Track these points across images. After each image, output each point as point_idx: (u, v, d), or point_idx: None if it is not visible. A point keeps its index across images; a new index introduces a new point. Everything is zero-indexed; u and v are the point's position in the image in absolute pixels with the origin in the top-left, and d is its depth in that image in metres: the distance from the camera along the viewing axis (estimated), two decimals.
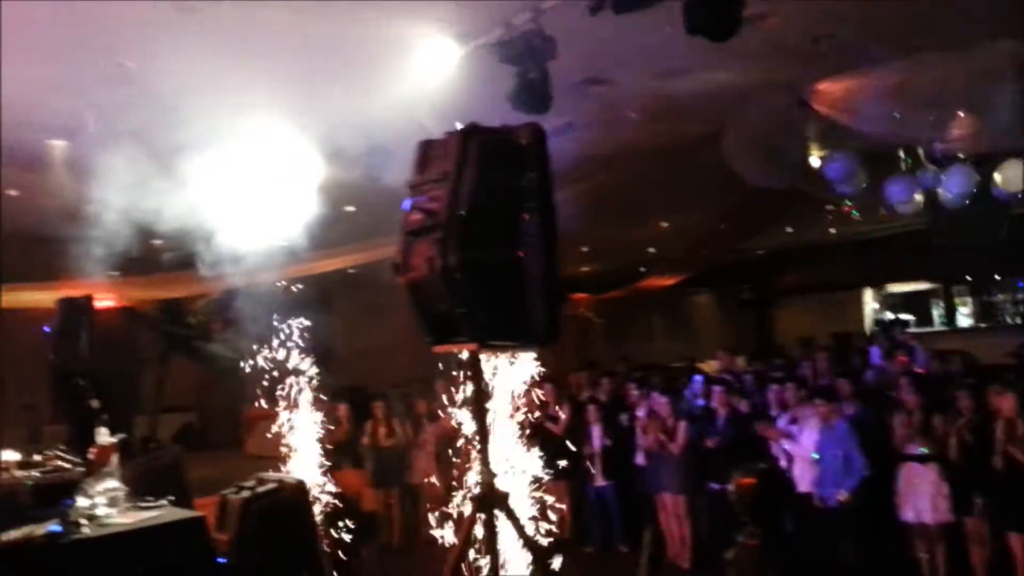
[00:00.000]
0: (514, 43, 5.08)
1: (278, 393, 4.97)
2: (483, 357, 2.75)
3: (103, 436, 2.94)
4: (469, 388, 2.75)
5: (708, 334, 22.95)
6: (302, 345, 5.09)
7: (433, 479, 9.84)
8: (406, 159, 7.66)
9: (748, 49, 5.88)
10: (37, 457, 3.15)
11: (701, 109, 7.60)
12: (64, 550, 2.40)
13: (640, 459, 8.44)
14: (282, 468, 4.97)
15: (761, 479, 1.79)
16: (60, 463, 3.02)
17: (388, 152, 7.33)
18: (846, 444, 6.51)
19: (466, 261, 2.43)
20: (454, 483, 8.96)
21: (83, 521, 2.58)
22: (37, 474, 2.82)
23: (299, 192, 6.07)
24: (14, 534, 2.44)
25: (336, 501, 5.45)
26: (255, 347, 5.50)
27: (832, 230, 15.98)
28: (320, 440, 5.03)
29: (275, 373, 5.01)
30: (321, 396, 4.99)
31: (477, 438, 2.70)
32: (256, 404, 5.27)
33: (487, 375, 2.82)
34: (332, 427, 4.88)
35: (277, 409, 4.97)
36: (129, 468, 3.05)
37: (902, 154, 8.71)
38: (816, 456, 6.55)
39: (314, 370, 5.11)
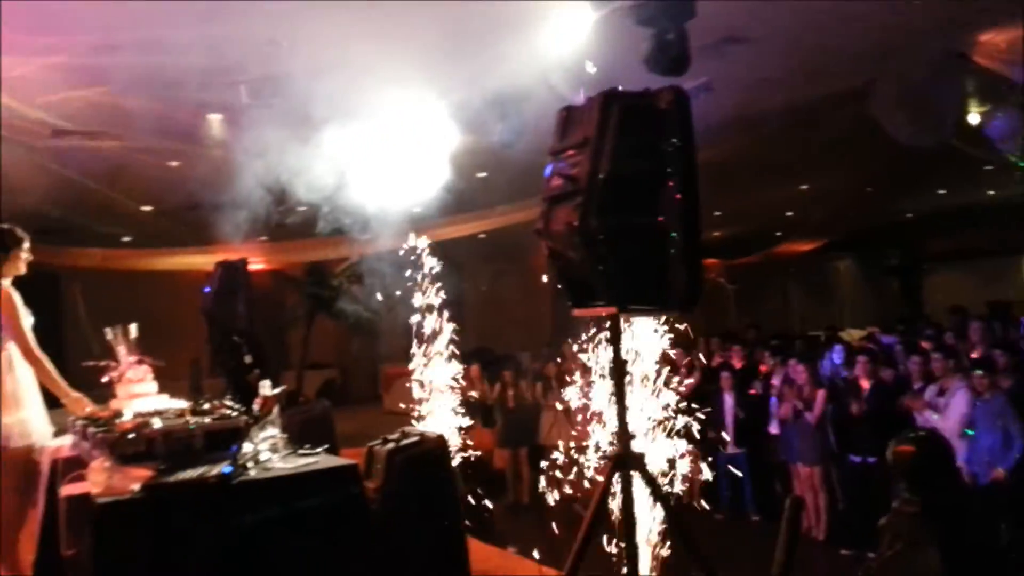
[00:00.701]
0: (650, 5, 4.99)
1: (414, 352, 5.16)
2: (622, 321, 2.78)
3: (266, 388, 3.18)
4: (607, 352, 2.78)
5: (849, 302, 21.95)
6: (436, 307, 5.25)
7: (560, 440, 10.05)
8: (539, 126, 7.70)
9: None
10: (206, 406, 3.43)
11: (847, 64, 7.23)
12: (233, 490, 2.62)
13: (774, 428, 8.28)
14: (416, 424, 5.19)
15: (920, 446, 1.74)
16: (226, 411, 3.28)
17: (522, 118, 7.40)
18: (1004, 419, 6.15)
19: (607, 226, 2.46)
20: (583, 445, 9.15)
21: (249, 464, 2.81)
22: (208, 421, 3.08)
23: (434, 159, 6.22)
24: (191, 473, 2.70)
25: (467, 458, 5.66)
26: (392, 308, 5.71)
27: (991, 191, 14.87)
28: (453, 399, 5.19)
29: (412, 333, 5.19)
30: (455, 356, 5.14)
31: (615, 400, 2.75)
32: (394, 363, 5.52)
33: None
34: (465, 387, 5.02)
35: (413, 367, 5.16)
36: (284, 419, 3.28)
37: None
38: (970, 432, 6.23)
39: (448, 331, 5.25)
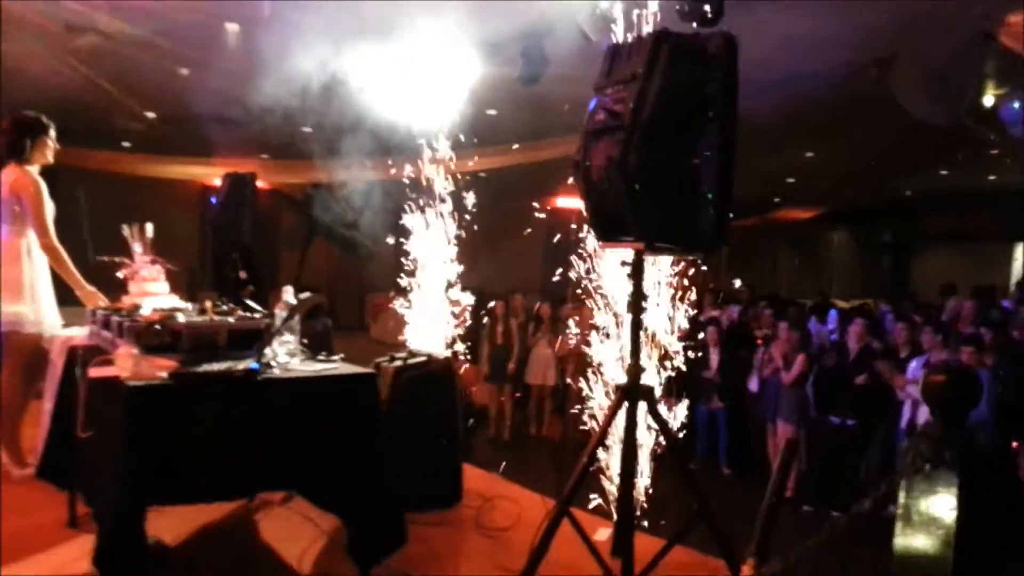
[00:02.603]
0: None
1: (405, 283, 5.15)
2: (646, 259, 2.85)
3: (289, 294, 3.24)
4: (629, 286, 2.85)
5: (839, 274, 22.15)
6: (431, 241, 5.19)
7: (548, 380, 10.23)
8: (560, 65, 7.62)
9: None
10: (224, 307, 3.49)
11: (873, 34, 7.20)
12: (259, 386, 2.71)
13: (754, 385, 8.49)
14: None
15: (951, 376, 1.85)
16: (246, 313, 3.35)
17: (544, 56, 7.35)
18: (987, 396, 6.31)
19: (646, 163, 2.51)
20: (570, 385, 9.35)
21: (273, 363, 2.89)
22: (232, 320, 3.15)
23: (449, 91, 6.17)
24: (217, 366, 2.78)
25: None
26: (389, 238, 5.67)
27: (992, 176, 14.94)
28: (442, 331, 5.18)
29: (404, 265, 5.16)
30: (446, 291, 5.13)
31: (630, 335, 2.84)
32: (384, 292, 5.45)
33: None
34: (454, 321, 5.01)
35: (402, 299, 5.16)
36: (303, 327, 3.35)
37: None
38: None
39: (441, 265, 5.21)
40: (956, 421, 1.84)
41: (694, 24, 5.02)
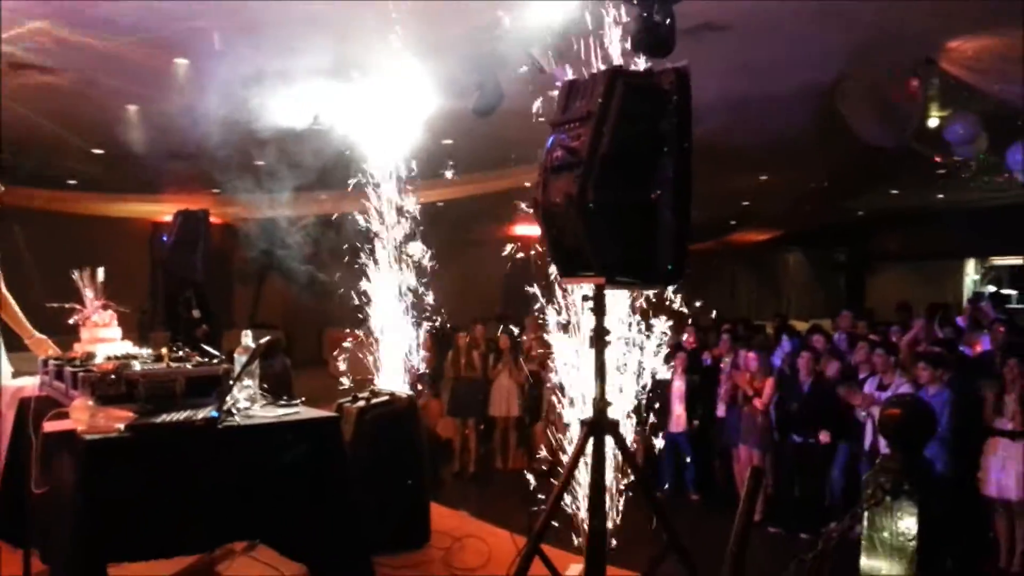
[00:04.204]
0: None
1: (363, 318, 5.09)
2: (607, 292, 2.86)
3: (247, 338, 3.19)
4: (589, 321, 2.86)
5: (794, 294, 22.51)
6: (388, 273, 5.13)
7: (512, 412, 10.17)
8: (514, 96, 7.67)
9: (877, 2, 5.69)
10: (180, 353, 3.43)
11: (818, 60, 7.40)
12: (219, 434, 2.65)
13: (721, 411, 8.54)
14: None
15: (905, 409, 1.90)
16: (202, 359, 3.29)
17: (499, 88, 7.40)
18: (945, 414, 6.41)
19: (603, 199, 2.53)
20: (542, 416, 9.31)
21: (233, 411, 2.84)
22: (190, 366, 3.09)
23: (405, 122, 6.16)
24: (176, 416, 2.72)
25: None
26: (344, 272, 5.60)
27: (940, 195, 15.36)
28: (401, 365, 5.10)
29: (362, 298, 5.10)
30: (406, 325, 5.06)
31: (594, 368, 2.84)
32: (342, 327, 5.39)
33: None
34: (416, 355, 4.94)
35: (361, 333, 5.10)
36: (262, 369, 3.30)
37: None
38: None
39: (399, 299, 5.16)
40: (913, 451, 1.88)
41: (642, 57, 5.09)
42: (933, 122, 8.11)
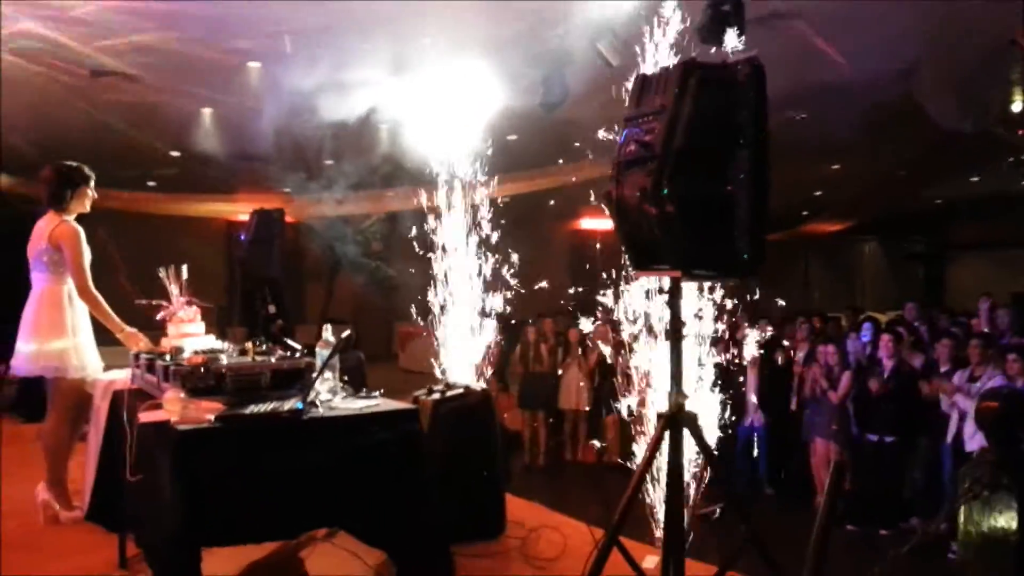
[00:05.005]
0: None
1: (432, 313, 5.14)
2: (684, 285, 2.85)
3: (328, 332, 3.28)
4: (665, 314, 2.85)
5: (871, 285, 21.89)
6: (458, 268, 5.17)
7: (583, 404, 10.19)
8: (579, 90, 7.65)
9: None
10: (264, 347, 3.54)
11: (896, 45, 7.19)
12: (304, 425, 2.74)
13: (794, 404, 8.40)
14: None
15: (1003, 402, 1.86)
16: (285, 353, 3.39)
17: (565, 83, 7.41)
18: None
19: (678, 192, 2.52)
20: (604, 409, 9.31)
21: (317, 402, 2.93)
22: (274, 360, 3.19)
23: (473, 120, 6.22)
24: (263, 407, 2.82)
25: None
26: (413, 268, 5.66)
27: (1023, 182, 14.74)
28: (471, 359, 5.14)
29: (432, 293, 5.16)
30: (475, 319, 5.10)
31: (670, 362, 2.84)
32: (411, 322, 5.44)
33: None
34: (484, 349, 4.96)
35: (430, 327, 5.16)
36: (342, 363, 3.38)
37: None
38: None
39: (469, 292, 5.20)
40: (1011, 445, 1.83)
41: (714, 47, 5.03)
42: (1017, 106, 7.81)
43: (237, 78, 8.40)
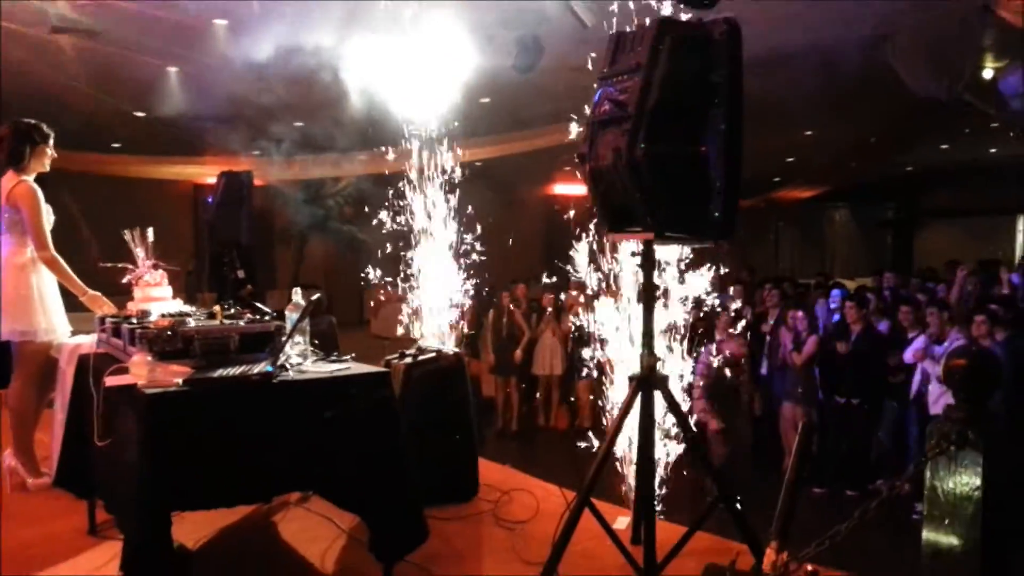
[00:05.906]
0: None
1: (404, 278, 5.09)
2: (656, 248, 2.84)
3: (297, 295, 3.24)
4: (639, 276, 2.85)
5: (841, 252, 22.11)
6: (429, 233, 5.11)
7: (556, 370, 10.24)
8: (554, 52, 7.54)
9: None
10: (232, 310, 3.49)
11: (871, 9, 7.16)
12: (274, 389, 2.71)
13: (764, 369, 8.49)
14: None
15: (971, 360, 1.89)
16: (254, 316, 3.34)
17: (539, 44, 7.32)
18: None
19: (652, 153, 2.50)
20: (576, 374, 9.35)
21: (287, 366, 2.89)
22: (242, 323, 3.14)
23: (444, 81, 6.11)
24: (232, 371, 2.78)
25: None
26: (385, 232, 5.59)
27: (992, 150, 14.89)
28: (442, 325, 5.10)
29: (403, 259, 5.09)
30: (448, 284, 5.05)
31: (643, 325, 2.84)
32: (382, 288, 5.38)
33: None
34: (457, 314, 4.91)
35: (401, 293, 5.11)
36: (312, 327, 3.34)
37: None
38: None
39: (439, 259, 5.13)
40: (979, 403, 1.85)
41: (690, 8, 4.98)
42: (987, 73, 7.84)
43: (203, 37, 8.19)
